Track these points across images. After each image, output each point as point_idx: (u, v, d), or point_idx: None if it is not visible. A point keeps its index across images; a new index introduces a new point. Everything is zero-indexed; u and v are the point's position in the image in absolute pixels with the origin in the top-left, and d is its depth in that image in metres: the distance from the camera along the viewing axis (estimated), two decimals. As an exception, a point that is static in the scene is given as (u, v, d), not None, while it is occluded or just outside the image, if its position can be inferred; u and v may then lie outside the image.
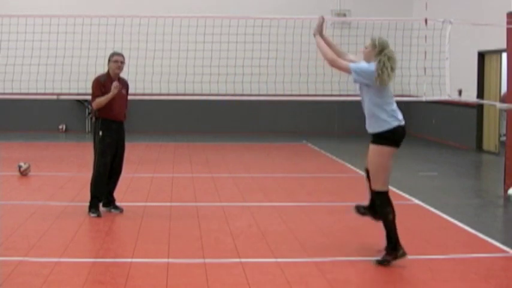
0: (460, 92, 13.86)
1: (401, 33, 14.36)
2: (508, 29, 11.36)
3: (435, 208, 9.96)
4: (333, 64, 7.13)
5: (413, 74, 14.12)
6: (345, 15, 20.58)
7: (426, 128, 20.57)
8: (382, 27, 16.05)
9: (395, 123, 6.97)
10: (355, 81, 7.06)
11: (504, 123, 13.89)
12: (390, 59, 6.95)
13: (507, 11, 11.78)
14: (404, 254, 6.97)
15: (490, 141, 17.26)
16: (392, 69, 6.93)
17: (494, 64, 16.99)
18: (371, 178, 7.08)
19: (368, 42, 7.10)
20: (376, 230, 8.56)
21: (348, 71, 7.01)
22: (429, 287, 6.48)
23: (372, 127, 7.01)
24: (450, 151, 17.52)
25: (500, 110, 15.68)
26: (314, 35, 7.50)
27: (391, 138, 6.95)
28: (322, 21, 7.59)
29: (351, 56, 7.49)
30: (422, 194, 10.99)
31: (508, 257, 7.54)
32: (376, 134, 6.96)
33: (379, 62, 6.90)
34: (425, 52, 12.97)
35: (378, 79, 6.86)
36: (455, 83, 12.66)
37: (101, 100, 9.07)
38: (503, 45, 11.93)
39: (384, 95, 7.01)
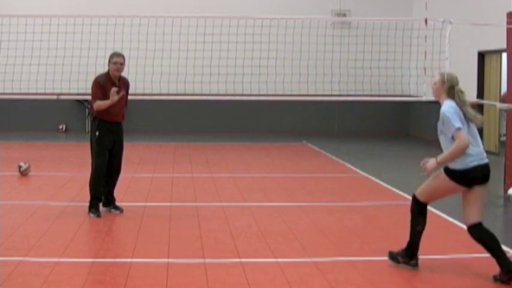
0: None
1: (401, 33, 14.39)
2: (508, 29, 11.36)
3: (435, 208, 9.95)
4: (462, 150, 6.71)
5: (413, 74, 14.14)
6: (345, 15, 20.58)
7: (426, 128, 20.55)
8: (382, 27, 16.13)
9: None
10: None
11: (504, 123, 13.89)
12: (463, 102, 6.92)
13: (507, 11, 11.78)
14: (414, 266, 6.95)
15: (490, 141, 17.25)
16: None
17: (494, 64, 16.98)
18: (423, 185, 7.13)
19: (437, 77, 6.91)
20: (376, 230, 8.57)
21: (466, 138, 6.73)
22: (429, 287, 6.48)
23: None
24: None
25: (500, 110, 15.67)
26: (436, 165, 7.04)
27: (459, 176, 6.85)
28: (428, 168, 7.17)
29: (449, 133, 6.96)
30: (422, 194, 10.97)
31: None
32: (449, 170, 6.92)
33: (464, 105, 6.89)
34: (425, 52, 12.98)
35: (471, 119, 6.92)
36: (455, 83, 12.65)
37: (101, 105, 9.05)
38: (503, 45, 11.92)
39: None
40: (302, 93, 16.38)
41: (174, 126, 20.95)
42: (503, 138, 13.83)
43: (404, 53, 16.48)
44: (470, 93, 16.24)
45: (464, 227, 8.74)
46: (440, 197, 7.10)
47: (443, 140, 6.91)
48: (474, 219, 6.72)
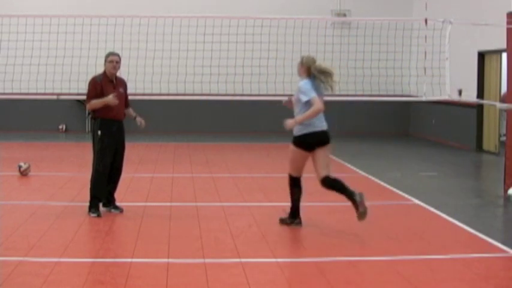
0: (460, 92, 13.89)
1: (401, 33, 14.38)
2: (508, 29, 11.36)
3: (435, 208, 9.96)
4: (317, 112, 8.46)
5: (413, 74, 14.14)
6: (345, 15, 20.58)
7: (426, 128, 20.57)
8: (382, 27, 16.13)
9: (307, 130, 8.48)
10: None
11: (504, 123, 13.89)
12: (320, 72, 8.50)
13: (507, 11, 11.78)
14: (299, 223, 8.62)
15: (490, 141, 17.26)
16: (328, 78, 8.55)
17: (494, 64, 16.98)
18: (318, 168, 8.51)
19: (299, 60, 8.61)
20: (376, 230, 8.57)
21: (319, 103, 8.43)
22: (429, 287, 6.48)
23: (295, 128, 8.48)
24: (450, 151, 17.53)
25: (500, 110, 15.68)
26: (294, 123, 8.55)
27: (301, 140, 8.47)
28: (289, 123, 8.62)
29: (303, 98, 8.53)
30: (422, 194, 10.99)
31: (508, 257, 7.54)
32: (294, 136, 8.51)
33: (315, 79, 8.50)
34: (425, 52, 12.98)
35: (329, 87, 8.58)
36: (455, 83, 12.69)
37: (95, 103, 9.09)
38: (503, 45, 11.93)
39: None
40: (302, 93, 16.35)
41: (174, 126, 20.95)
42: (503, 138, 13.84)
43: (404, 53, 16.48)
44: (470, 93, 16.31)
45: (465, 227, 8.78)
46: (300, 165, 8.63)
47: (298, 107, 8.47)
48: (323, 173, 8.45)
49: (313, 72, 8.48)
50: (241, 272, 6.73)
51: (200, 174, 12.96)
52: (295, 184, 8.75)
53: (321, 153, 8.47)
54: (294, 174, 8.70)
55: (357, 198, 8.22)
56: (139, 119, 9.52)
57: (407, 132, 21.65)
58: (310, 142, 8.43)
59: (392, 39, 15.57)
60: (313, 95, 8.30)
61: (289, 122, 8.48)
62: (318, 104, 8.28)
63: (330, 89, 8.57)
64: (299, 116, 8.41)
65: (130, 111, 9.58)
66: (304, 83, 8.43)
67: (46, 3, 20.22)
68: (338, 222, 9.10)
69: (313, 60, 8.56)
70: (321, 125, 8.55)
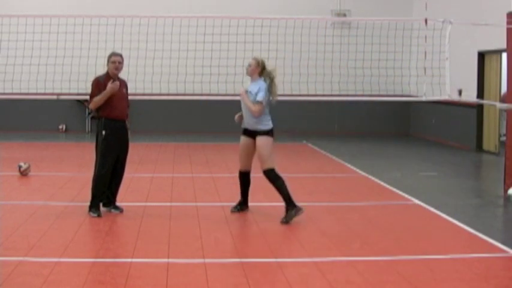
0: (460, 92, 13.88)
1: (401, 33, 14.37)
2: (508, 29, 11.36)
3: (435, 208, 9.96)
4: (253, 112, 9.16)
5: (413, 74, 14.13)
6: (345, 15, 20.58)
7: (426, 128, 20.57)
8: (382, 27, 16.11)
9: (271, 125, 9.32)
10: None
11: (504, 123, 13.89)
12: (272, 78, 9.28)
13: (507, 11, 11.78)
14: (301, 208, 8.87)
15: (490, 141, 17.26)
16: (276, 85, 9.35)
17: (494, 64, 16.98)
18: (261, 161, 9.13)
19: (252, 61, 9.20)
20: (376, 230, 8.57)
21: (261, 110, 9.11)
22: (429, 287, 6.48)
23: (260, 126, 9.18)
24: (450, 151, 17.53)
25: (500, 110, 15.68)
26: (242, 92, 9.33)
27: (272, 133, 9.27)
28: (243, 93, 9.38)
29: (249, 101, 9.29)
30: (422, 194, 10.99)
31: (508, 257, 7.54)
32: (265, 130, 9.16)
33: (271, 80, 9.31)
34: (425, 52, 12.97)
35: (273, 95, 9.26)
36: (455, 83, 12.68)
37: (97, 99, 9.09)
38: (503, 45, 11.93)
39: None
40: (302, 93, 16.38)
41: (174, 126, 20.95)
42: (503, 138, 13.83)
43: (404, 53, 16.46)
44: (470, 93, 16.31)
45: (465, 227, 8.78)
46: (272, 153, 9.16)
47: (251, 97, 9.14)
48: (250, 166, 9.56)
49: (267, 75, 9.29)
50: (241, 272, 6.73)
51: (200, 174, 12.96)
52: (276, 175, 9.15)
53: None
54: (273, 165, 9.18)
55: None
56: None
57: (407, 132, 21.65)
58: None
59: (392, 39, 15.55)
60: (265, 98, 9.16)
61: (241, 91, 9.45)
62: (260, 108, 9.14)
63: (274, 95, 9.36)
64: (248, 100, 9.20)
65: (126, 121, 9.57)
66: (265, 86, 9.22)
67: (46, 3, 20.22)
68: (338, 222, 9.10)
69: (266, 64, 9.40)
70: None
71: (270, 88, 9.16)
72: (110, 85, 9.06)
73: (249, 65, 9.20)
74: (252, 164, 9.46)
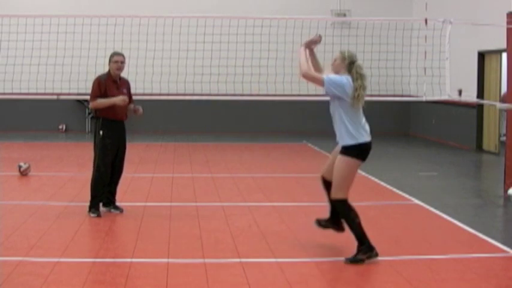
0: (460, 92, 13.87)
1: (401, 33, 14.37)
2: (508, 29, 11.36)
3: (435, 208, 9.96)
4: (306, 75, 7.35)
5: (413, 74, 14.13)
6: (345, 15, 20.58)
7: (426, 128, 20.57)
8: (382, 27, 16.11)
9: (362, 139, 7.26)
10: (327, 92, 7.33)
11: (504, 123, 13.89)
12: (362, 76, 7.22)
13: (507, 11, 11.78)
14: (377, 255, 7.10)
15: (490, 141, 17.26)
16: (365, 88, 7.24)
17: (494, 64, 16.98)
18: (333, 187, 7.33)
19: (337, 55, 7.38)
20: (375, 230, 8.56)
21: (320, 82, 7.24)
22: (429, 287, 6.48)
23: (345, 139, 7.30)
24: (450, 151, 17.52)
25: (500, 110, 15.68)
26: (303, 44, 7.61)
27: (358, 152, 7.24)
28: (319, 40, 7.72)
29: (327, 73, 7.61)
30: (422, 194, 10.99)
31: (508, 257, 7.54)
32: (349, 146, 7.25)
33: (356, 80, 7.19)
34: (425, 52, 12.97)
35: (355, 100, 7.20)
36: (455, 83, 12.67)
37: (101, 102, 9.08)
38: (503, 45, 11.93)
39: (353, 109, 7.30)
40: (302, 93, 16.35)
41: (174, 126, 20.96)
42: (503, 138, 13.83)
43: (404, 53, 16.45)
44: (470, 93, 16.31)
45: (465, 227, 8.77)
46: (351, 183, 7.37)
47: (333, 108, 7.49)
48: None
49: (356, 70, 7.26)
50: (241, 272, 6.73)
51: (200, 174, 12.96)
52: (349, 207, 7.35)
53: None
54: (345, 196, 7.33)
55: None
56: (136, 107, 9.44)
57: (407, 132, 21.64)
58: (368, 150, 7.39)
59: (392, 39, 15.56)
60: (327, 78, 7.21)
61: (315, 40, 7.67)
62: (316, 75, 7.32)
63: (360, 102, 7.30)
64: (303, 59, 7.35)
65: (131, 105, 9.50)
66: (340, 77, 7.25)
67: (46, 3, 20.21)
68: (338, 222, 9.09)
69: (356, 57, 7.41)
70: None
71: (356, 89, 7.19)
72: (121, 98, 9.06)
73: (334, 60, 7.40)
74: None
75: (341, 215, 7.32)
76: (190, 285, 6.36)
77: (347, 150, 7.23)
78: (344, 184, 7.24)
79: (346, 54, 7.31)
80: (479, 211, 10.26)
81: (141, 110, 9.45)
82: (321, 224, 7.67)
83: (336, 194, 7.26)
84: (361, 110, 7.35)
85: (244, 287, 6.30)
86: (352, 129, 7.25)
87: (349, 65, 7.25)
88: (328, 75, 7.28)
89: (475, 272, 6.85)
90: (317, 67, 7.60)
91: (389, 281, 6.61)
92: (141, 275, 6.63)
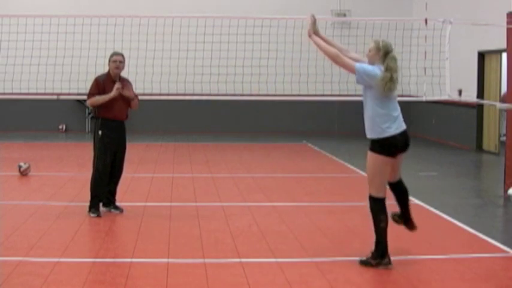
0: (460, 92, 13.87)
1: (401, 33, 14.35)
2: (508, 29, 11.36)
3: (435, 208, 9.96)
4: (336, 61, 7.07)
5: (413, 74, 14.12)
6: (345, 15, 20.58)
7: (426, 128, 20.57)
8: (382, 27, 16.05)
9: (386, 134, 6.89)
10: (358, 82, 7.00)
11: (504, 123, 13.89)
12: (392, 69, 6.92)
13: (507, 11, 11.78)
14: (388, 263, 6.94)
15: (490, 141, 17.26)
16: (394, 80, 6.95)
17: (494, 64, 16.98)
18: (368, 183, 7.04)
19: (371, 45, 7.06)
20: (376, 230, 8.56)
21: (352, 69, 6.95)
22: (429, 287, 6.48)
23: (370, 132, 6.98)
24: (450, 151, 17.52)
25: (500, 110, 15.68)
26: (309, 35, 7.41)
27: (382, 147, 6.87)
28: (314, 20, 7.50)
29: (354, 54, 7.42)
30: (422, 194, 10.98)
31: (508, 257, 7.54)
32: (373, 141, 6.94)
33: (386, 70, 6.88)
34: (425, 52, 12.97)
35: (386, 87, 6.87)
36: (455, 83, 12.66)
37: (98, 99, 9.08)
38: (503, 45, 11.93)
39: (384, 100, 6.96)
40: (302, 93, 16.35)
41: (174, 126, 20.96)
42: (503, 138, 13.83)
43: (404, 53, 16.38)
44: (470, 93, 16.31)
45: (465, 227, 8.77)
46: (384, 178, 6.96)
47: (365, 100, 7.05)
48: (397, 178, 7.10)
49: (387, 62, 6.97)
50: (241, 272, 6.73)
51: (200, 174, 12.96)
52: (381, 208, 6.96)
53: (401, 158, 7.10)
54: (378, 193, 6.94)
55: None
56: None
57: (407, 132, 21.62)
58: (395, 145, 6.92)
59: (392, 39, 15.44)
60: (359, 65, 6.93)
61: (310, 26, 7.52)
62: (345, 60, 7.04)
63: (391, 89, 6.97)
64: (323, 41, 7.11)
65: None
66: (371, 67, 6.97)
67: (46, 3, 20.21)
68: (338, 222, 9.10)
69: (392, 47, 7.14)
70: (401, 124, 7.12)
71: (384, 81, 6.87)
72: (114, 90, 9.03)
73: (369, 50, 7.07)
74: (397, 176, 7.19)
75: (371, 212, 7.01)
76: (190, 285, 6.36)
77: (372, 145, 6.91)
78: (374, 181, 6.90)
79: (381, 44, 7.02)
80: (479, 211, 10.26)
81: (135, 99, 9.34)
82: (394, 218, 7.34)
83: (369, 190, 6.98)
84: (394, 102, 7.06)
85: (244, 287, 6.30)
86: (380, 121, 6.88)
87: (384, 55, 6.96)
88: (361, 63, 7.02)
89: (475, 272, 6.85)
90: (337, 47, 7.42)
91: (389, 281, 6.61)
92: (141, 275, 6.63)
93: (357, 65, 6.93)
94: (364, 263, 7.00)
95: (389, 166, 6.91)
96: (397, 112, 7.06)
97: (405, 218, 7.27)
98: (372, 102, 6.95)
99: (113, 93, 9.02)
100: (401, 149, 6.96)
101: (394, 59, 6.99)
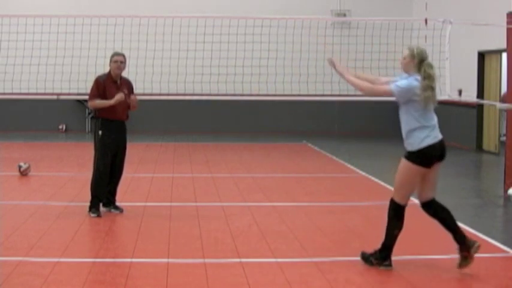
0: (460, 92, 13.88)
1: (401, 33, 14.37)
2: (508, 29, 11.36)
3: (435, 208, 9.94)
4: (371, 93, 7.06)
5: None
6: (344, 15, 20.58)
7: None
8: (382, 27, 16.12)
9: (424, 143, 6.82)
10: (399, 101, 6.88)
11: (504, 123, 13.89)
12: (430, 76, 6.74)
13: (507, 11, 11.78)
14: (389, 266, 6.93)
15: (490, 141, 17.26)
16: (433, 89, 6.77)
17: (494, 64, 16.98)
18: (394, 187, 7.00)
19: (406, 52, 6.88)
20: (376, 230, 8.56)
21: (390, 94, 6.85)
22: (429, 287, 6.48)
23: (409, 146, 6.90)
24: (450, 151, 17.40)
25: (500, 110, 15.68)
26: (341, 76, 7.19)
27: (419, 158, 6.81)
28: (332, 63, 7.31)
29: (384, 78, 7.30)
30: (422, 194, 10.97)
31: (508, 257, 7.54)
32: (408, 152, 6.92)
33: (425, 78, 6.72)
34: (425, 52, 12.97)
35: (423, 101, 6.72)
36: (455, 83, 12.67)
37: (99, 103, 9.09)
38: (503, 45, 11.93)
39: (422, 111, 6.81)
40: (302, 93, 16.37)
41: (174, 126, 20.96)
42: (503, 138, 13.83)
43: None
44: (470, 93, 16.31)
45: (465, 227, 8.75)
46: (412, 189, 6.93)
47: (402, 114, 6.91)
48: (431, 195, 6.90)
49: (424, 69, 6.76)
50: (241, 272, 6.73)
51: (200, 174, 12.96)
52: (398, 216, 6.90)
53: (437, 169, 7.03)
54: (400, 200, 6.89)
55: (470, 244, 6.78)
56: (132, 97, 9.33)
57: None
58: (433, 155, 6.88)
59: (392, 39, 15.55)
60: (394, 86, 6.77)
61: (337, 66, 7.20)
62: (379, 89, 6.90)
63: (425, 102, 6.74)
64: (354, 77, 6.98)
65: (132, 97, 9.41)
66: (409, 83, 6.75)
67: (46, 3, 20.22)
68: (338, 222, 9.10)
69: (427, 54, 6.87)
70: (437, 133, 7.00)
71: (424, 90, 6.69)
72: (117, 97, 9.03)
73: (403, 58, 6.86)
74: (431, 193, 7.04)
75: (388, 215, 6.92)
76: (190, 285, 6.36)
77: (409, 155, 6.86)
78: (402, 189, 6.86)
79: (416, 51, 6.80)
80: (479, 211, 10.26)
81: (134, 100, 9.34)
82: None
83: (394, 195, 6.92)
84: (431, 112, 6.89)
85: (244, 287, 6.30)
86: (419, 133, 6.79)
87: (419, 63, 6.77)
88: (395, 82, 6.85)
89: (475, 272, 6.85)
90: (368, 78, 7.27)
91: (389, 281, 6.61)
92: (141, 275, 6.63)
93: (392, 87, 6.81)
94: (365, 258, 7.02)
95: (420, 177, 6.85)
96: (435, 121, 6.94)
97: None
98: (411, 115, 6.83)
99: (113, 101, 9.02)
100: (438, 158, 6.91)
101: (431, 66, 6.80)
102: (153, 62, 15.09)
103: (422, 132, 6.78)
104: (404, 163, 6.89)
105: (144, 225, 8.63)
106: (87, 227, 8.66)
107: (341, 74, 7.15)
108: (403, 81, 6.76)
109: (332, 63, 7.30)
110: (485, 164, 15.97)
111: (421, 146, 6.78)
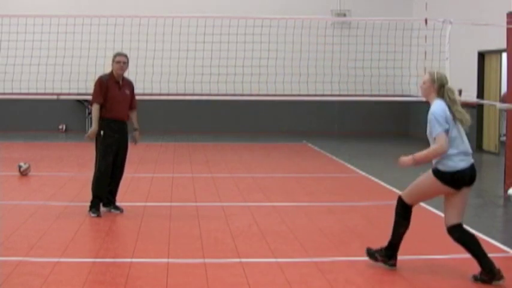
0: (460, 92, 13.87)
1: (401, 33, 14.39)
2: (508, 29, 11.36)
3: (435, 208, 9.95)
4: (441, 149, 6.74)
5: (413, 74, 14.16)
6: (344, 15, 20.58)
7: (426, 128, 20.55)
8: (382, 27, 16.14)
9: (458, 167, 6.76)
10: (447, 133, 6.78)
11: (504, 123, 13.89)
12: (454, 101, 6.76)
13: (507, 11, 11.78)
14: (392, 265, 6.90)
15: (490, 141, 17.26)
16: (460, 112, 6.79)
17: (494, 64, 16.98)
18: (408, 188, 6.95)
19: (426, 77, 6.82)
20: (376, 230, 8.57)
21: (444, 143, 6.72)
22: (429, 287, 6.48)
23: (442, 167, 6.76)
24: (450, 151, 17.50)
25: (500, 110, 15.68)
26: (415, 163, 6.95)
27: (449, 180, 6.70)
28: (405, 163, 7.08)
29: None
30: (422, 194, 10.97)
31: (508, 257, 7.54)
32: (439, 171, 6.77)
33: (452, 106, 6.77)
34: (425, 52, 12.99)
35: (459, 124, 6.73)
36: (455, 83, 12.66)
37: (94, 115, 9.24)
38: (503, 45, 11.93)
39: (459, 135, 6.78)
40: (302, 93, 16.38)
41: (174, 126, 20.96)
42: (503, 138, 13.83)
43: (404, 53, 16.48)
44: (470, 93, 16.31)
45: (466, 227, 8.74)
46: (427, 199, 7.04)
47: (431, 141, 6.87)
48: (456, 220, 6.68)
49: (448, 95, 6.84)
50: (241, 272, 6.73)
51: (200, 174, 12.96)
52: (405, 214, 6.88)
53: (466, 194, 6.80)
54: (410, 202, 6.87)
55: (495, 271, 6.47)
56: (135, 134, 9.56)
57: (407, 132, 21.64)
58: (463, 179, 6.76)
59: (392, 39, 15.58)
60: (440, 129, 6.74)
61: (405, 160, 7.04)
62: (441, 143, 6.67)
63: (462, 122, 6.81)
64: (420, 153, 6.86)
65: (134, 118, 9.58)
66: (439, 110, 6.80)
67: (46, 3, 20.22)
68: (338, 222, 9.09)
69: (447, 79, 6.89)
70: (470, 157, 7.03)
71: (452, 111, 6.81)
72: (89, 134, 9.38)
73: (423, 82, 6.88)
74: (456, 217, 6.73)
75: (395, 213, 6.87)
76: (190, 285, 6.36)
77: (439, 173, 6.70)
78: (416, 195, 6.85)
79: (436, 76, 6.77)
80: (479, 211, 10.26)
81: (137, 139, 9.71)
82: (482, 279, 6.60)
83: (404, 194, 6.89)
84: (462, 133, 6.89)
85: (244, 287, 6.30)
86: (455, 157, 6.74)
87: (440, 88, 6.80)
88: (436, 130, 6.78)
89: (475, 272, 6.84)
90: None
91: (389, 281, 6.61)
92: (141, 275, 6.63)
93: (438, 132, 6.77)
94: (370, 253, 6.98)
95: (439, 193, 6.79)
96: (465, 141, 6.91)
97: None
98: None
99: (92, 130, 9.30)
100: (468, 182, 6.79)
101: (452, 91, 6.80)
102: (153, 62, 15.10)
103: (457, 156, 6.76)
104: (430, 178, 6.76)
105: (144, 225, 8.63)
106: (87, 227, 8.66)
107: (415, 163, 6.93)
108: (435, 125, 6.80)
109: (404, 164, 7.09)
110: (485, 164, 15.97)
111: (454, 170, 6.71)
